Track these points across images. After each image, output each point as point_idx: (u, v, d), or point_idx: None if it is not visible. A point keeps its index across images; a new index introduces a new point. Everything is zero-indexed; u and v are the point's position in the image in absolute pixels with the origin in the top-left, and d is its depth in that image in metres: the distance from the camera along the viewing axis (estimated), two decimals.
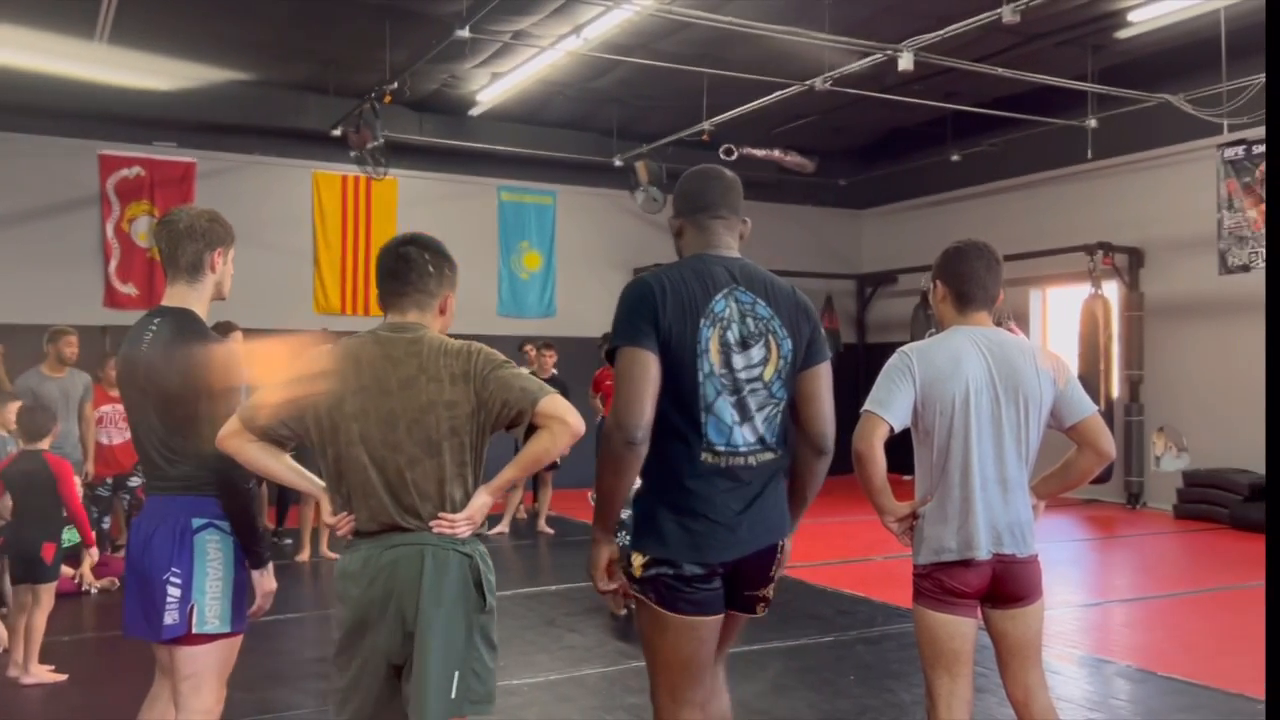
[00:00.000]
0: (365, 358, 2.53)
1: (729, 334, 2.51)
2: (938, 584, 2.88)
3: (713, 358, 2.49)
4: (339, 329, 8.72)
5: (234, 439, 2.59)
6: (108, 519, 7.68)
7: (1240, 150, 10.51)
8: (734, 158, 11.36)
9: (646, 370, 2.44)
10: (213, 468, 2.74)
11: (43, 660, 5.05)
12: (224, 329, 6.71)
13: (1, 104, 10.16)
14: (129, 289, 11.29)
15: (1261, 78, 8.87)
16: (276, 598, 3.07)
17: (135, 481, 7.54)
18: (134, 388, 2.91)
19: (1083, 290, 11.21)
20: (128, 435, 6.61)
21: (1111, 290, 11.34)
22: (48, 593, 5.00)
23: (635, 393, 2.43)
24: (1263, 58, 9.14)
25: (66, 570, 5.82)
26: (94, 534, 5.72)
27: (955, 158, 12.33)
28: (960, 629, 2.88)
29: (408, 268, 2.59)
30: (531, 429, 2.51)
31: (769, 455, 2.57)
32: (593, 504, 2.66)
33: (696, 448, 2.49)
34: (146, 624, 2.85)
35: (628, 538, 2.58)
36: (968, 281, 3.00)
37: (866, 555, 7.99)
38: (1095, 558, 9.01)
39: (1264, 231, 10.34)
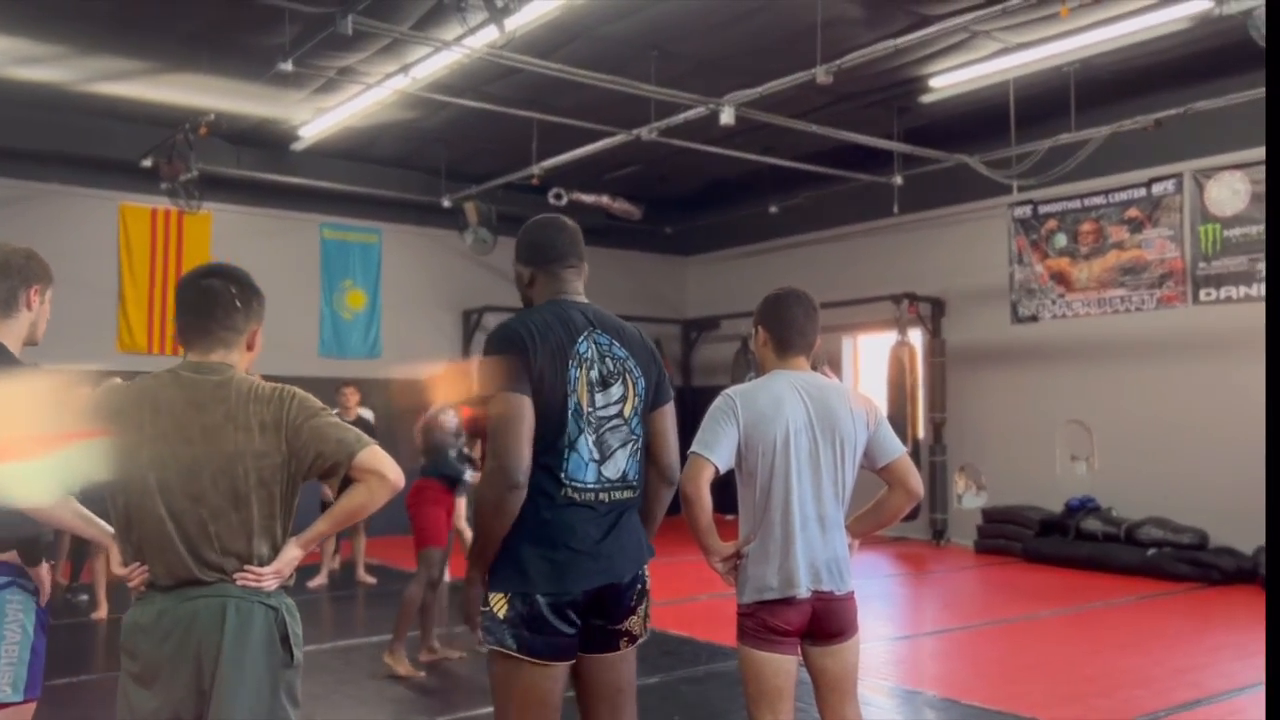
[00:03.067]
0: (165, 401, 2.34)
1: (592, 374, 2.61)
2: (761, 623, 2.96)
3: (580, 398, 2.58)
4: (145, 368, 8.23)
5: None
6: None
7: (1028, 209, 11.41)
8: (563, 202, 11.48)
9: (523, 414, 2.49)
10: (11, 518, 2.52)
11: None
12: None
13: None
14: None
15: (1046, 144, 9.69)
16: (71, 658, 2.86)
17: None
18: None
19: (890, 337, 11.81)
20: None
21: (916, 337, 12.00)
22: None
23: (514, 437, 2.48)
24: (1047, 127, 10.02)
25: None
26: None
27: (773, 209, 12.83)
28: (783, 666, 2.96)
29: (212, 302, 2.42)
30: (347, 480, 2.40)
31: (628, 493, 2.66)
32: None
33: (557, 484, 2.55)
34: None
35: None
36: (787, 327, 3.13)
37: (692, 595, 8.11)
38: (905, 593, 9.45)
39: (1051, 285, 11.24)
